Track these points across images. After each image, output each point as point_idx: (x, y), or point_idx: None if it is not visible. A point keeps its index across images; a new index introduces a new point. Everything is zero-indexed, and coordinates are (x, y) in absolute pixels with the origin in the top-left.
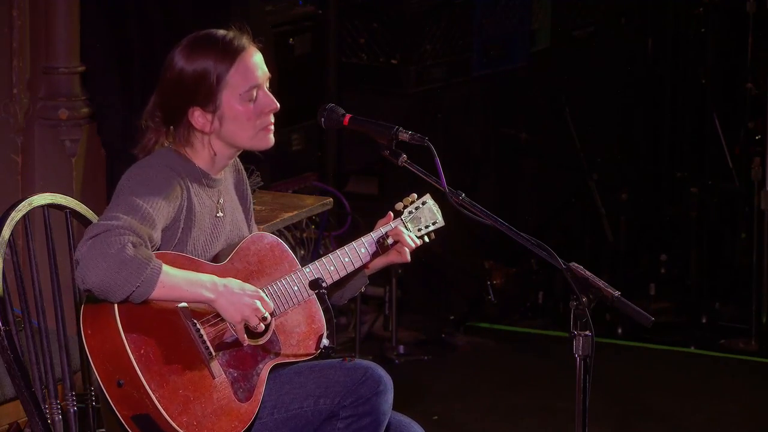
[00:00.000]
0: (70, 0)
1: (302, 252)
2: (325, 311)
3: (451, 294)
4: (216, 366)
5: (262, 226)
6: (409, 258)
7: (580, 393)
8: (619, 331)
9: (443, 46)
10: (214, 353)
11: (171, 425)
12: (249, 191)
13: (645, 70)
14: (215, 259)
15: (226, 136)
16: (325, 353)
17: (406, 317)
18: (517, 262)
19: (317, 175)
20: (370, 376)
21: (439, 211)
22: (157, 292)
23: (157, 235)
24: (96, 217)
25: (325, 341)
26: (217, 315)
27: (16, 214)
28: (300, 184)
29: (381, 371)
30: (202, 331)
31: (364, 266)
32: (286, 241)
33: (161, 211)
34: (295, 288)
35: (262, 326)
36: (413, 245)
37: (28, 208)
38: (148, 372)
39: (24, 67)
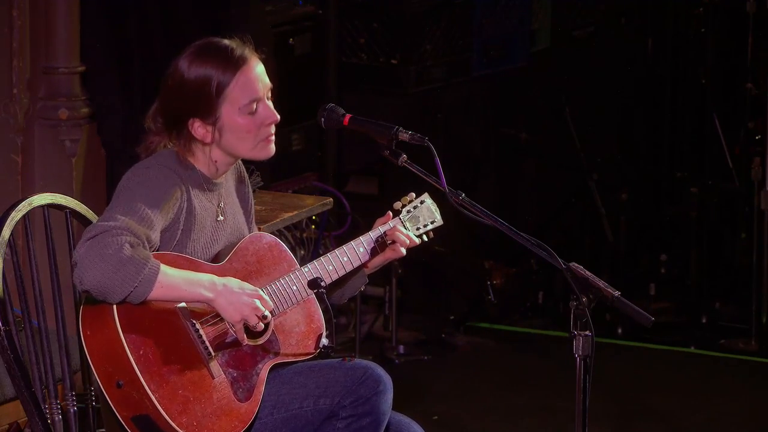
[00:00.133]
0: (70, 0)
1: (302, 252)
2: (325, 311)
3: (451, 294)
4: (215, 366)
5: (262, 226)
6: (404, 252)
7: (580, 393)
8: (619, 331)
9: (443, 46)
10: (213, 353)
11: (171, 425)
12: (250, 193)
13: (645, 70)
14: (214, 259)
15: (226, 147)
16: (324, 353)
17: (406, 317)
18: (517, 262)
19: (317, 175)
20: (369, 376)
21: (438, 210)
22: (156, 292)
23: (155, 236)
24: (96, 217)
25: (324, 341)
26: (217, 315)
27: (16, 214)
28: (300, 184)
29: (381, 371)
30: (201, 331)
31: (363, 265)
32: (286, 241)
33: (160, 212)
34: (294, 287)
35: (262, 325)
36: (408, 243)
37: (28, 208)
38: (148, 372)
39: (24, 67)
